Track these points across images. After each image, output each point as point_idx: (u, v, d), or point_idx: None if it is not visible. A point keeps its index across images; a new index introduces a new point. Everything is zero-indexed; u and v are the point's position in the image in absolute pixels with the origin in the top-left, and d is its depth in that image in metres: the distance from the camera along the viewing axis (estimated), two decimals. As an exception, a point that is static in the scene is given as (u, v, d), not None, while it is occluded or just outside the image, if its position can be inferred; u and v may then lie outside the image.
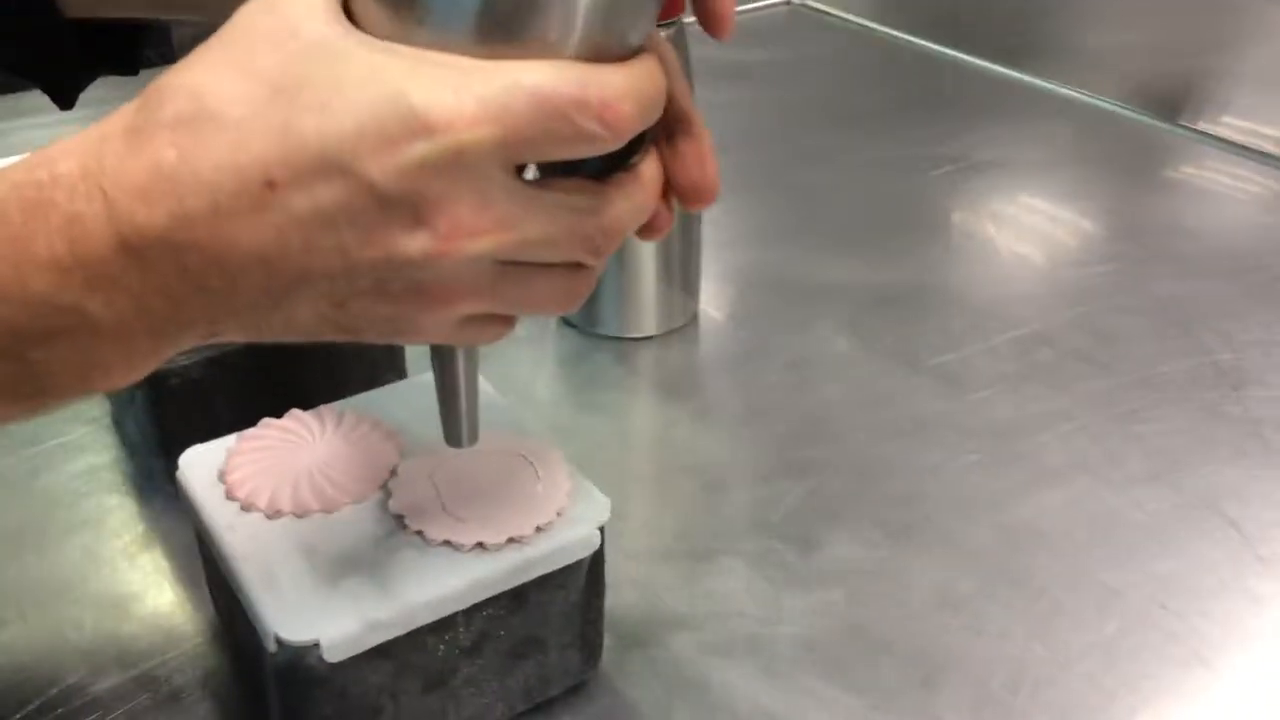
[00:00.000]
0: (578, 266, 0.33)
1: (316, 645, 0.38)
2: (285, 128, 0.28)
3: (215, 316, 0.31)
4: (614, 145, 0.30)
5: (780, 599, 0.51)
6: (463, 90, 0.28)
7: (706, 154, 0.34)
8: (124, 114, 0.30)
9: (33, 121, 0.87)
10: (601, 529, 0.43)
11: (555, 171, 0.32)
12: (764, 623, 0.50)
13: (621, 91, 0.29)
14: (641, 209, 0.33)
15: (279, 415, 0.47)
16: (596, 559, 0.44)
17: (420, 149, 0.28)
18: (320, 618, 0.38)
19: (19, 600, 0.50)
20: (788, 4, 1.31)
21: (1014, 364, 0.68)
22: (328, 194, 0.28)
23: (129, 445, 0.59)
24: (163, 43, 0.55)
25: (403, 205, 0.28)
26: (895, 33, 1.23)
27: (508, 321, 0.34)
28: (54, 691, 0.46)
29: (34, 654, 0.48)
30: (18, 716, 0.45)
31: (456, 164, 0.28)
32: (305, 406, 0.47)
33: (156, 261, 0.29)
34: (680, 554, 0.54)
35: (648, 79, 0.30)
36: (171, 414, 0.53)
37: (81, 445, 0.60)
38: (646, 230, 0.35)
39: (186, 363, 0.52)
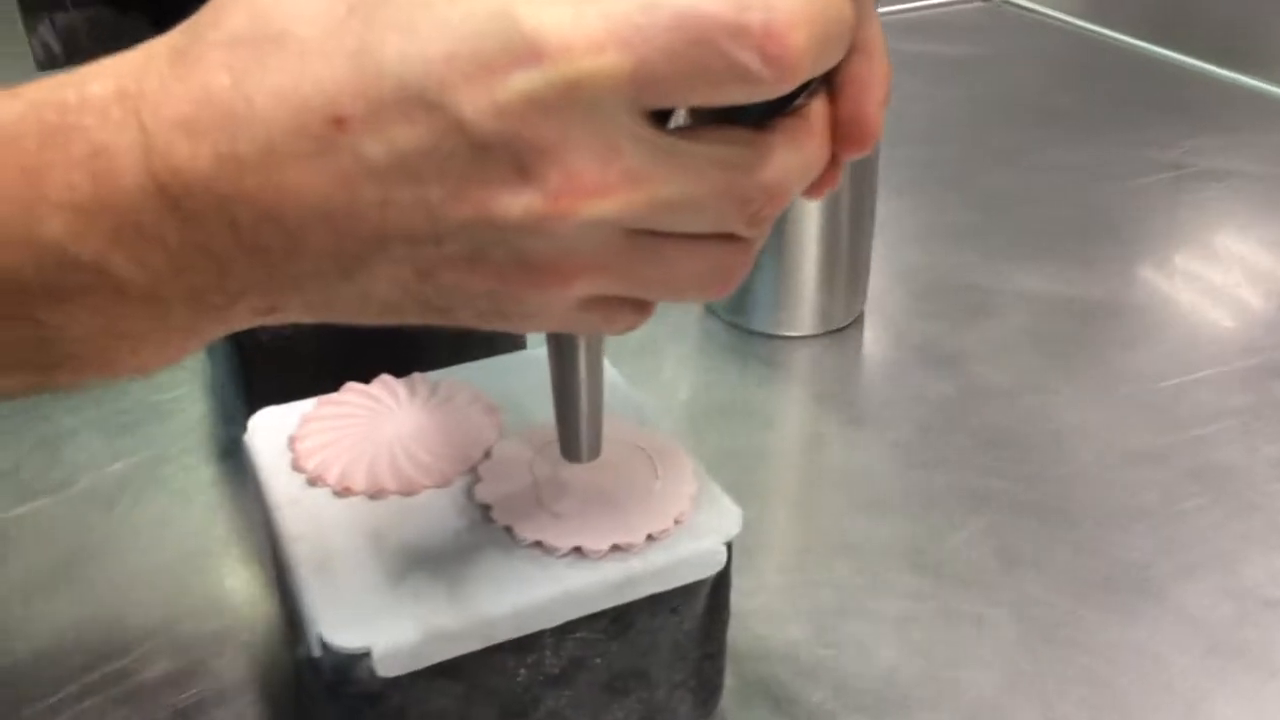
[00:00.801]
0: (730, 238, 0.26)
1: (368, 655, 0.31)
2: (360, 52, 0.23)
3: (271, 286, 0.25)
4: (778, 90, 0.23)
5: (939, 653, 0.42)
6: (584, 6, 0.22)
7: (878, 79, 0.26)
8: (176, 32, 0.24)
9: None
10: (729, 545, 0.35)
11: (700, 118, 0.25)
12: (919, 681, 0.41)
13: (794, 17, 0.22)
14: (811, 163, 0.26)
15: (369, 380, 0.40)
16: (721, 581, 0.36)
17: (527, 80, 0.22)
18: (376, 620, 0.31)
19: (76, 567, 0.45)
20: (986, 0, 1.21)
21: (1242, 397, 0.57)
22: (409, 135, 0.23)
23: (220, 407, 0.54)
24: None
25: (503, 152, 0.23)
26: (1103, 30, 1.12)
27: (641, 308, 0.28)
28: (95, 675, 0.41)
29: (80, 629, 0.42)
30: (52, 699, 0.40)
31: (573, 101, 0.22)
32: (412, 373, 0.41)
33: (198, 211, 0.23)
34: (822, 586, 0.45)
35: (828, 2, 0.23)
36: (261, 375, 0.47)
37: (176, 404, 0.55)
38: (811, 186, 0.27)
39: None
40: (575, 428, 0.33)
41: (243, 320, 0.26)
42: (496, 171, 0.23)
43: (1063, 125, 0.92)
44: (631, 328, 0.28)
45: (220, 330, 0.26)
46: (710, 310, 0.65)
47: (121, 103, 0.23)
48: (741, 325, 0.64)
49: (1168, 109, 0.95)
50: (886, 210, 0.65)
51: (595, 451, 0.33)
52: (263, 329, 0.46)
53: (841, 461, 0.53)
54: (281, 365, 0.47)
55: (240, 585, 0.45)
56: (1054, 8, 1.18)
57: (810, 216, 0.60)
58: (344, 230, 0.24)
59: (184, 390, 0.56)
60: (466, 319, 0.26)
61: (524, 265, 0.24)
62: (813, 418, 0.58)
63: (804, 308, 0.62)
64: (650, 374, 0.59)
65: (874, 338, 0.64)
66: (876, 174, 0.62)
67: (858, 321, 0.65)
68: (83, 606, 0.43)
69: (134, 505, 0.49)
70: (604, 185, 0.23)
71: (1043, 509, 0.50)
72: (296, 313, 0.26)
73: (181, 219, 0.23)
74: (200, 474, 0.51)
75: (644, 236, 0.25)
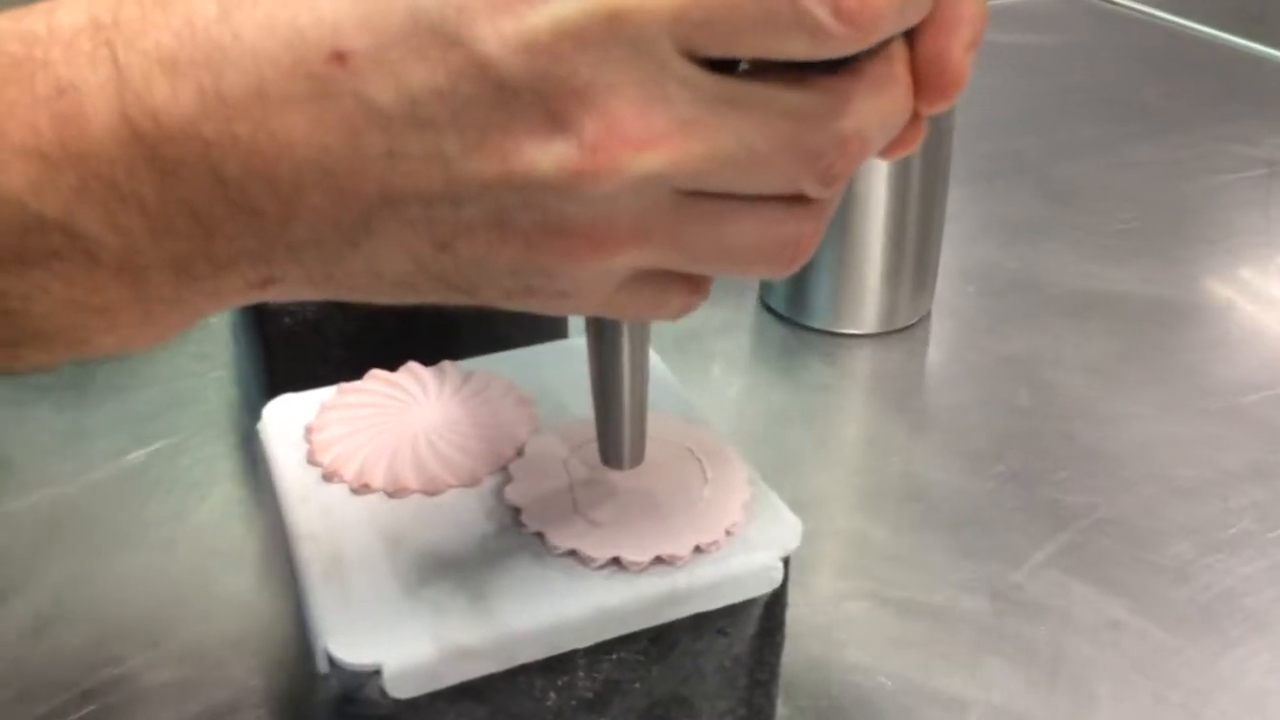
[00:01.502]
0: (798, 200, 0.22)
1: (379, 673, 0.27)
2: None
3: (265, 254, 0.22)
4: (846, 49, 0.20)
5: (1014, 685, 0.38)
6: None
7: (966, 15, 0.22)
8: None
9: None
10: (786, 561, 0.31)
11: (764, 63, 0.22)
12: (991, 715, 0.37)
13: None
14: (894, 111, 0.22)
15: (394, 368, 0.37)
16: (775, 599, 0.32)
17: (561, 9, 0.19)
18: (389, 635, 0.28)
19: (84, 562, 0.43)
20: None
21: (1350, 412, 0.52)
22: (422, 74, 0.20)
23: (243, 394, 0.51)
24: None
25: (532, 96, 0.20)
26: (1185, 21, 1.06)
27: (695, 286, 0.24)
28: (97, 680, 0.38)
29: (84, 629, 0.40)
30: (53, 703, 0.37)
31: (614, 35, 0.19)
32: (445, 360, 0.37)
33: (179, 162, 0.20)
34: (885, 604, 0.41)
35: None
36: (283, 360, 0.44)
37: (201, 390, 0.53)
38: (890, 144, 0.24)
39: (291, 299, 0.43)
40: (617, 428, 0.29)
41: (236, 294, 0.23)
42: (524, 119, 0.20)
43: (1144, 118, 0.87)
44: (684, 311, 0.24)
45: (211, 306, 0.23)
46: (765, 304, 0.61)
47: (94, 34, 0.20)
48: (798, 321, 0.60)
49: (1255, 103, 0.90)
50: (957, 202, 0.61)
51: (638, 456, 0.30)
52: (285, 310, 0.43)
53: (904, 471, 0.49)
54: (305, 349, 0.44)
55: (255, 586, 0.42)
56: (1132, -1, 1.13)
57: (876, 204, 0.56)
58: (346, 188, 0.21)
59: (212, 375, 0.54)
60: (492, 297, 0.23)
61: (555, 232, 0.21)
62: (873, 423, 0.54)
63: (866, 304, 0.58)
64: (699, 371, 0.56)
65: (941, 339, 0.60)
66: (950, 163, 0.58)
67: (924, 320, 0.61)
68: (89, 605, 0.41)
69: (149, 497, 0.46)
70: (650, 135, 0.20)
71: (1128, 529, 0.45)
72: (296, 286, 0.23)
73: (160, 172, 0.20)
74: (220, 465, 0.48)
75: (697, 198, 0.22)
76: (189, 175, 0.20)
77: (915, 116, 0.23)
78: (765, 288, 0.62)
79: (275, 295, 0.23)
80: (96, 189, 0.20)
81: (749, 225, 0.22)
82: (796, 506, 0.32)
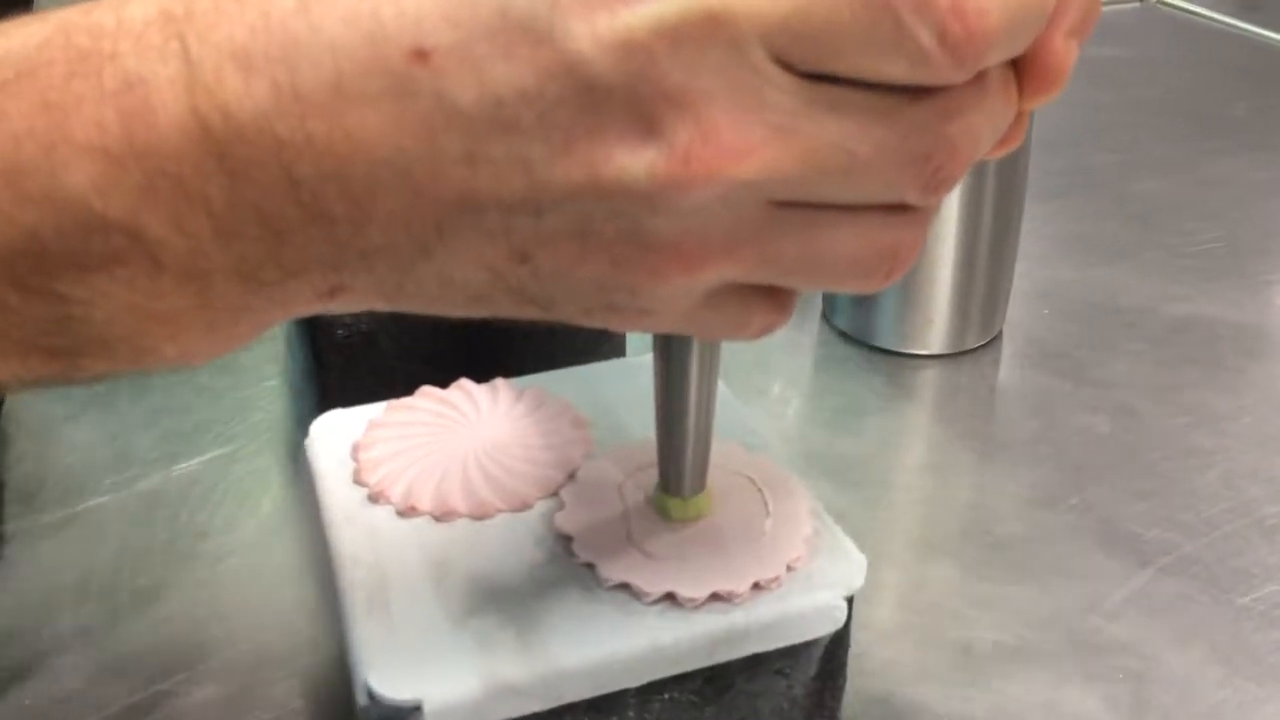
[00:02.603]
0: (899, 209, 0.21)
1: (419, 708, 0.26)
2: None
3: (335, 261, 0.21)
4: (944, 79, 0.19)
5: (1095, 734, 0.36)
6: None
7: (1070, 2, 0.21)
8: None
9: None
10: (850, 599, 0.30)
11: None
12: (1069, 765, 0.35)
13: None
14: (1002, 108, 0.21)
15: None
16: (838, 641, 0.30)
17: (658, 8, 0.18)
18: (432, 668, 0.27)
19: (128, 575, 0.42)
20: (1140, 0, 1.13)
21: None
22: (507, 74, 0.19)
23: (294, 405, 0.51)
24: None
25: (624, 99, 0.19)
26: (1264, 32, 1.02)
27: (779, 303, 0.23)
28: (139, 696, 0.37)
29: (126, 645, 0.39)
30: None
31: (713, 38, 0.18)
32: (496, 377, 0.36)
33: (250, 163, 0.19)
34: (952, 645, 0.39)
35: None
36: (335, 372, 0.43)
37: (255, 399, 0.52)
38: (997, 141, 0.22)
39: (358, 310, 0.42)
40: (679, 454, 0.28)
41: (303, 303, 0.22)
42: (614, 123, 0.19)
43: (1226, 134, 0.84)
44: (766, 331, 0.23)
45: (277, 315, 0.22)
46: (828, 321, 0.59)
47: (164, 26, 0.19)
48: (863, 340, 0.58)
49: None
50: (1030, 220, 0.59)
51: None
52: (338, 321, 0.43)
53: (973, 501, 0.47)
54: (358, 361, 0.43)
55: (301, 604, 0.41)
56: (1211, 8, 1.09)
57: (948, 220, 0.54)
58: (422, 192, 0.20)
59: (266, 384, 0.53)
60: (569, 313, 0.22)
61: (642, 245, 0.20)
62: (940, 449, 0.52)
63: (934, 324, 0.56)
64: (757, 390, 0.54)
65: (1012, 361, 0.57)
66: (1026, 178, 0.55)
67: (994, 342, 0.58)
68: (131, 619, 0.40)
69: (198, 509, 0.45)
70: (745, 144, 0.19)
71: (1213, 567, 0.43)
72: (365, 296, 0.22)
73: (229, 173, 0.19)
74: (271, 477, 0.47)
75: (791, 209, 0.20)
76: (259, 176, 0.19)
77: (1019, 112, 0.22)
78: (829, 304, 0.60)
79: (343, 305, 0.22)
80: (163, 189, 0.19)
81: (846, 236, 0.21)
82: (856, 536, 0.31)
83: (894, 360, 0.57)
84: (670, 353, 0.27)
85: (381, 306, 0.22)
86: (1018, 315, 0.60)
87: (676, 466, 0.29)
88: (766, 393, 0.54)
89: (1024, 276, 0.61)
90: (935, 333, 0.57)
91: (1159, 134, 0.84)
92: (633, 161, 0.19)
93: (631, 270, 0.21)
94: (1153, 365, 0.56)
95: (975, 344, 0.57)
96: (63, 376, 0.22)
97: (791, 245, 0.21)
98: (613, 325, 0.22)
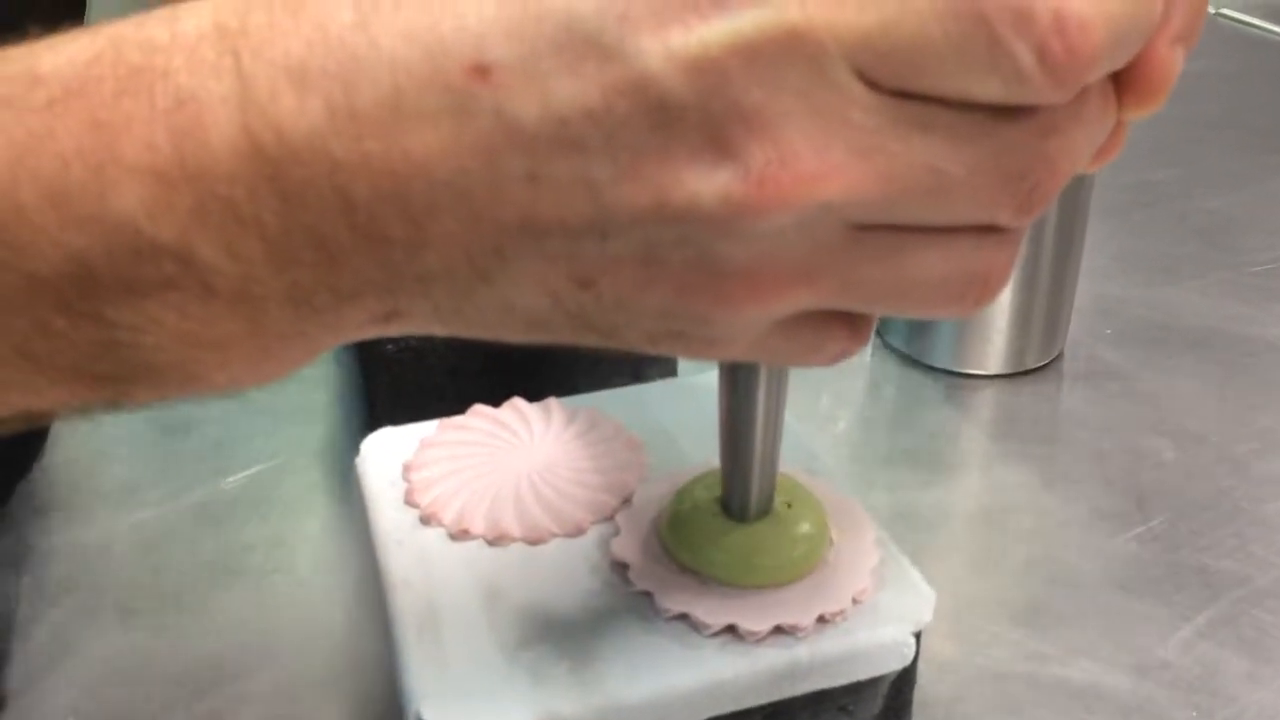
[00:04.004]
0: (989, 231, 0.20)
1: (470, 741, 0.25)
2: None
3: (392, 286, 0.20)
4: (1043, 99, 0.18)
5: (1169, 777, 0.34)
6: None
7: (1175, 6, 0.19)
8: None
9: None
10: (918, 635, 0.28)
11: None
12: (1141, 810, 0.33)
13: (1093, 11, 0.17)
14: (1101, 124, 0.20)
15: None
16: (904, 677, 0.29)
17: (734, 24, 0.17)
18: (483, 700, 0.26)
19: (173, 592, 0.41)
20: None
21: None
22: (572, 91, 0.18)
23: (343, 421, 0.50)
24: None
25: (696, 118, 0.18)
26: (1337, 50, 1.00)
27: (856, 329, 0.22)
28: (181, 714, 0.36)
29: (170, 662, 0.38)
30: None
31: (792, 54, 0.17)
32: (548, 396, 0.36)
33: (304, 184, 0.18)
34: (1015, 678, 0.38)
35: None
36: (384, 387, 0.43)
37: (303, 412, 0.51)
38: (1096, 153, 0.21)
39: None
40: (745, 479, 0.27)
41: (356, 328, 0.21)
42: (685, 144, 0.18)
43: (1293, 151, 0.82)
44: (841, 357, 0.22)
45: (329, 341, 0.21)
46: (883, 339, 0.58)
47: (218, 41, 0.19)
48: (918, 359, 0.56)
49: None
50: (1092, 237, 0.57)
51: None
52: (388, 338, 0.42)
53: (1033, 528, 0.46)
54: (407, 377, 0.42)
55: (349, 623, 0.40)
56: (1273, 21, 1.06)
57: (1011, 240, 0.52)
58: (482, 214, 0.19)
59: (314, 397, 0.53)
60: (633, 340, 0.21)
61: (713, 273, 0.19)
62: (999, 473, 0.50)
63: (993, 343, 0.55)
64: (806, 410, 0.53)
65: (1073, 382, 0.56)
66: (1090, 194, 0.54)
67: (1055, 362, 0.57)
68: (180, 633, 0.40)
69: (245, 524, 0.45)
70: (825, 166, 0.18)
71: (1289, 601, 0.41)
72: (422, 321, 0.21)
73: (282, 194, 0.19)
74: (319, 492, 0.47)
75: (874, 233, 0.19)
76: (314, 198, 0.19)
77: (1118, 122, 0.21)
78: (883, 322, 0.59)
79: (399, 329, 0.21)
80: (215, 211, 0.19)
81: (934, 260, 0.20)
82: (912, 562, 0.30)
83: (950, 380, 0.55)
84: (737, 375, 0.26)
85: (439, 332, 0.21)
86: (1079, 334, 0.58)
87: (742, 490, 0.28)
88: (814, 411, 0.53)
89: (1084, 294, 0.59)
90: (993, 352, 0.55)
91: (1221, 149, 0.82)
92: (704, 185, 0.18)
93: (700, 298, 0.20)
94: (1218, 388, 0.54)
95: (1035, 364, 0.56)
96: (110, 404, 0.22)
97: (875, 271, 0.20)
98: (678, 353, 0.21)
